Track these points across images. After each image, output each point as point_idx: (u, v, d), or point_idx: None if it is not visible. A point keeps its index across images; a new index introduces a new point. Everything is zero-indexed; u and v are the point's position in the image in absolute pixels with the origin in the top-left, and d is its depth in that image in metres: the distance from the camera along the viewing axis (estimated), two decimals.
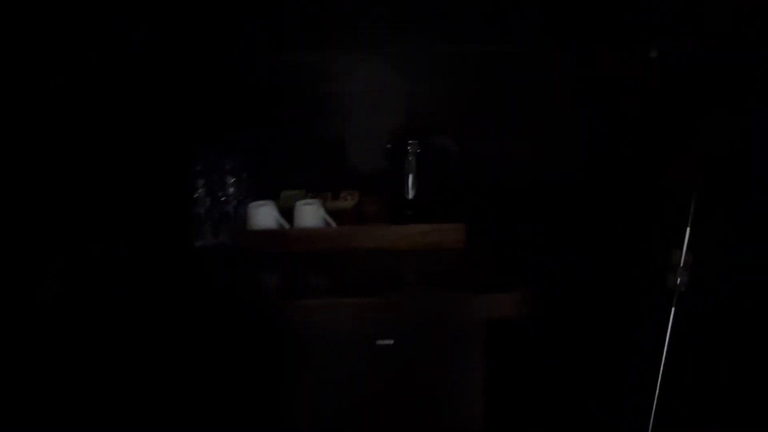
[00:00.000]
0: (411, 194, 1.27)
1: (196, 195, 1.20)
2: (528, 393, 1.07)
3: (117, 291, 0.98)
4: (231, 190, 1.22)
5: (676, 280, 0.86)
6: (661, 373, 0.92)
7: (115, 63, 1.16)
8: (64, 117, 1.05)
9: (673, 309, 0.88)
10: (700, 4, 0.82)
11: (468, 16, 1.28)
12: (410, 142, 1.25)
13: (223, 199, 1.21)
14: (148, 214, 1.26)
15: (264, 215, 1.15)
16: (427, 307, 0.97)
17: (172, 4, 1.26)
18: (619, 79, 1.05)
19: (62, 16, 1.00)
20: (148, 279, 1.08)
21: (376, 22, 1.34)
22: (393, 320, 0.99)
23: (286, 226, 1.15)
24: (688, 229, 0.83)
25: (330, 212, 1.18)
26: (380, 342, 1.00)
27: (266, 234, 1.14)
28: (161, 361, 1.00)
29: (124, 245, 1.14)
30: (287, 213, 1.18)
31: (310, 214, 1.14)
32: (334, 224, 1.15)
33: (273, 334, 1.00)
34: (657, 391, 0.94)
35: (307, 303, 0.96)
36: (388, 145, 1.30)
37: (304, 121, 1.45)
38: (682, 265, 0.85)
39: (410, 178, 1.27)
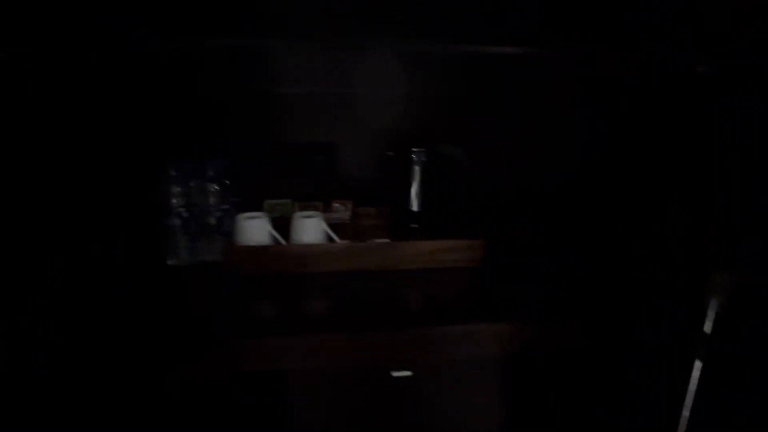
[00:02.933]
0: (416, 206, 1.17)
1: (171, 204, 1.01)
2: (550, 422, 1.01)
3: (117, 291, 0.92)
4: (212, 199, 1.04)
5: (713, 301, 0.84)
6: (690, 404, 0.90)
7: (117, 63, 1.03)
8: (62, 116, 0.87)
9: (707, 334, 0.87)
10: (700, 4, 0.83)
11: (467, 16, 1.22)
12: (415, 149, 1.16)
13: (203, 209, 1.04)
14: (115, 226, 1.05)
15: (257, 229, 0.99)
16: (443, 339, 0.88)
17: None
18: (626, 79, 1.04)
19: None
20: (108, 302, 0.89)
21: (372, 19, 1.24)
22: (410, 351, 0.88)
23: (283, 242, 1.00)
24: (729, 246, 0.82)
25: None
26: (396, 374, 0.89)
27: (261, 251, 0.98)
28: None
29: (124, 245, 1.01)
30: (274, 225, 1.03)
31: (311, 228, 1.00)
32: (338, 240, 1.02)
33: (276, 370, 0.85)
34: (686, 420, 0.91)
35: (314, 339, 0.83)
36: (390, 153, 1.20)
37: (289, 124, 1.31)
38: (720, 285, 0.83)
39: (414, 188, 1.17)
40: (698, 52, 0.85)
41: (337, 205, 1.28)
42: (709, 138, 0.85)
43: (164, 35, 1.13)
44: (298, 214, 1.03)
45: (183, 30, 1.15)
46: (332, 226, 1.11)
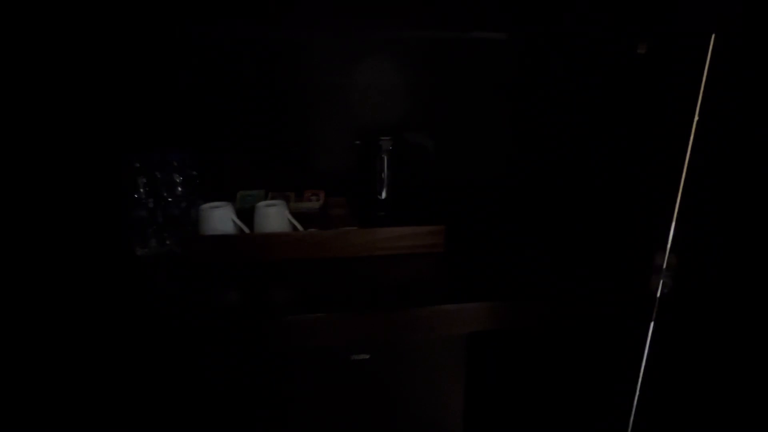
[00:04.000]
0: (383, 194, 1.19)
1: (136, 195, 1.03)
2: (509, 405, 1.02)
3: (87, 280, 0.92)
4: (179, 189, 1.06)
5: (659, 282, 0.86)
6: (640, 379, 0.91)
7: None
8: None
9: (654, 313, 0.88)
10: None
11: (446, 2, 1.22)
12: (382, 138, 1.16)
13: (169, 200, 1.06)
14: (83, 216, 1.07)
15: (220, 218, 1.00)
16: (404, 322, 0.89)
17: None
18: (604, 72, 1.03)
19: None
20: (82, 292, 0.91)
21: (344, 8, 1.24)
22: (368, 334, 0.90)
23: (247, 230, 1.02)
24: (672, 228, 0.83)
25: (293, 214, 1.06)
26: (355, 357, 0.91)
27: (223, 240, 1.00)
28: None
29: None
30: (245, 216, 1.05)
31: (274, 216, 1.02)
32: (301, 228, 1.04)
33: (236, 354, 0.87)
34: (636, 399, 0.93)
35: (274, 321, 0.85)
36: (357, 142, 1.21)
37: (262, 115, 1.32)
38: (665, 266, 0.84)
39: (383, 177, 1.18)
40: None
41: (309, 194, 1.29)
42: (659, 122, 0.85)
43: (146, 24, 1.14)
44: (262, 203, 1.05)
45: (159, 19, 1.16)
46: (303, 215, 1.12)
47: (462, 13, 1.25)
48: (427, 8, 1.25)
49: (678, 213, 0.82)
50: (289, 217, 1.04)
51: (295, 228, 1.04)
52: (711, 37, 0.76)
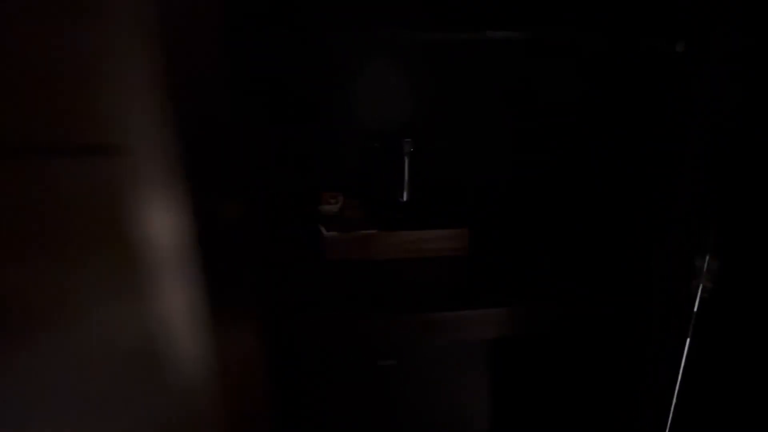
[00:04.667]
0: (405, 196, 1.17)
1: None
2: (538, 410, 0.99)
3: None
4: None
5: (698, 286, 0.82)
6: (678, 385, 0.88)
7: None
8: None
9: (693, 318, 0.84)
10: None
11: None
12: (405, 140, 1.15)
13: None
14: None
15: None
16: (431, 327, 0.86)
17: None
18: (621, 66, 1.01)
19: None
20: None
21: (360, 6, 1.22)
22: (395, 340, 0.87)
23: None
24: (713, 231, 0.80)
25: None
26: (382, 362, 0.89)
27: None
28: None
29: None
30: None
31: None
32: (324, 231, 1.02)
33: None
34: (673, 405, 0.89)
35: (299, 322, 0.83)
36: (376, 144, 1.19)
37: (274, 115, 1.31)
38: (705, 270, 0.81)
39: (404, 179, 1.16)
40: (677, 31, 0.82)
41: (327, 197, 1.27)
42: (689, 122, 0.82)
43: None
44: None
45: None
46: (321, 218, 1.11)
47: (477, 13, 1.24)
48: (441, 9, 1.23)
49: (712, 215, 0.79)
50: None
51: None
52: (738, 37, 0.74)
